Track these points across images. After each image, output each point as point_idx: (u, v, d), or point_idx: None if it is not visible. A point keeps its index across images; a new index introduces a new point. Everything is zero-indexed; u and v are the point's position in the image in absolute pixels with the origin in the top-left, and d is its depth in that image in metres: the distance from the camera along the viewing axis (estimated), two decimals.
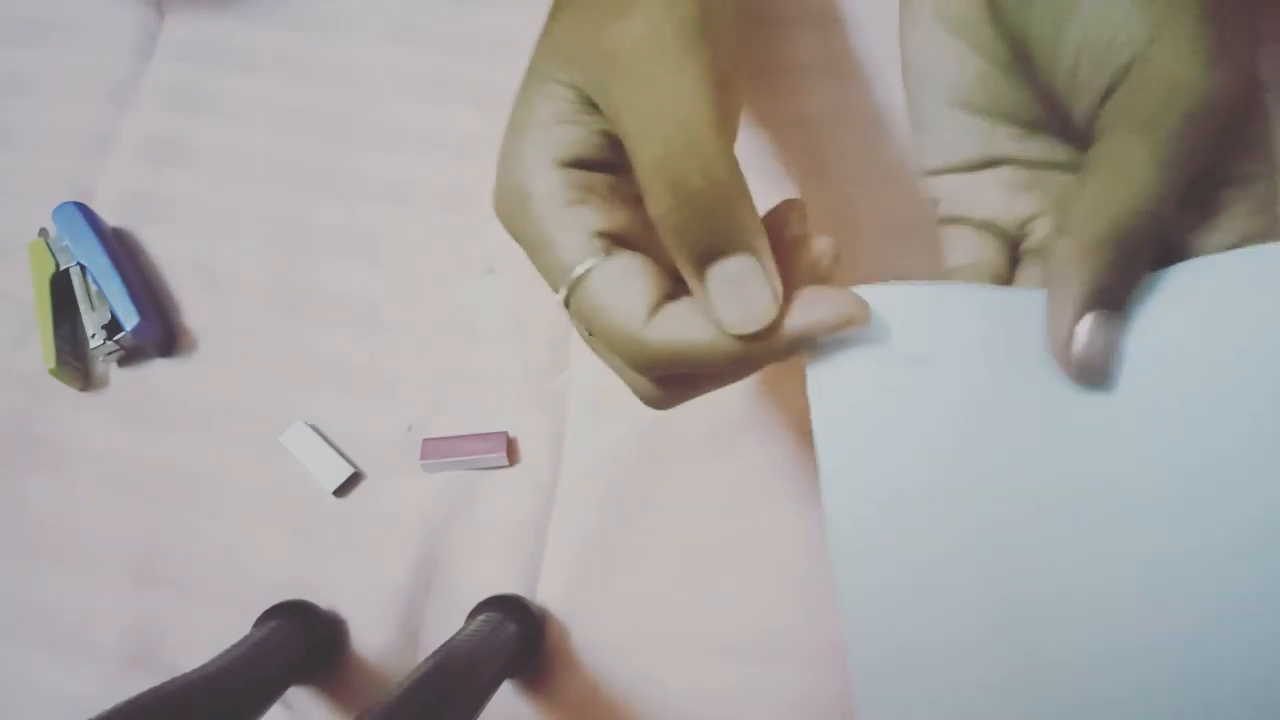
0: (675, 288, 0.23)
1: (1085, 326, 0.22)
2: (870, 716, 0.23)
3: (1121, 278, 0.22)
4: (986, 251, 0.27)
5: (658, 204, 0.21)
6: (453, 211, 0.45)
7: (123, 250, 0.44)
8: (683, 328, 0.22)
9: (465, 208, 0.45)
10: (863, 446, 0.23)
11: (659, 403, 0.25)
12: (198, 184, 0.46)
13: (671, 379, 0.25)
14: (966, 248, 0.27)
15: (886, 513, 0.23)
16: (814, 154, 0.44)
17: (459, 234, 0.44)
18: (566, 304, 0.24)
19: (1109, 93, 0.23)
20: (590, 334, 0.24)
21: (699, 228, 0.21)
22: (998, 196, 0.27)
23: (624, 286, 0.23)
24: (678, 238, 0.22)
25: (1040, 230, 0.27)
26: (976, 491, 0.23)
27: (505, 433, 0.40)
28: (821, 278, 0.23)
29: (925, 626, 0.23)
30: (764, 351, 0.22)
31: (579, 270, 0.23)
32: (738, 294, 0.21)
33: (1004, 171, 0.27)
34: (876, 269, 0.41)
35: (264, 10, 0.49)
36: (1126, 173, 0.22)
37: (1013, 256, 0.27)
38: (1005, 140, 0.27)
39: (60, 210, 0.44)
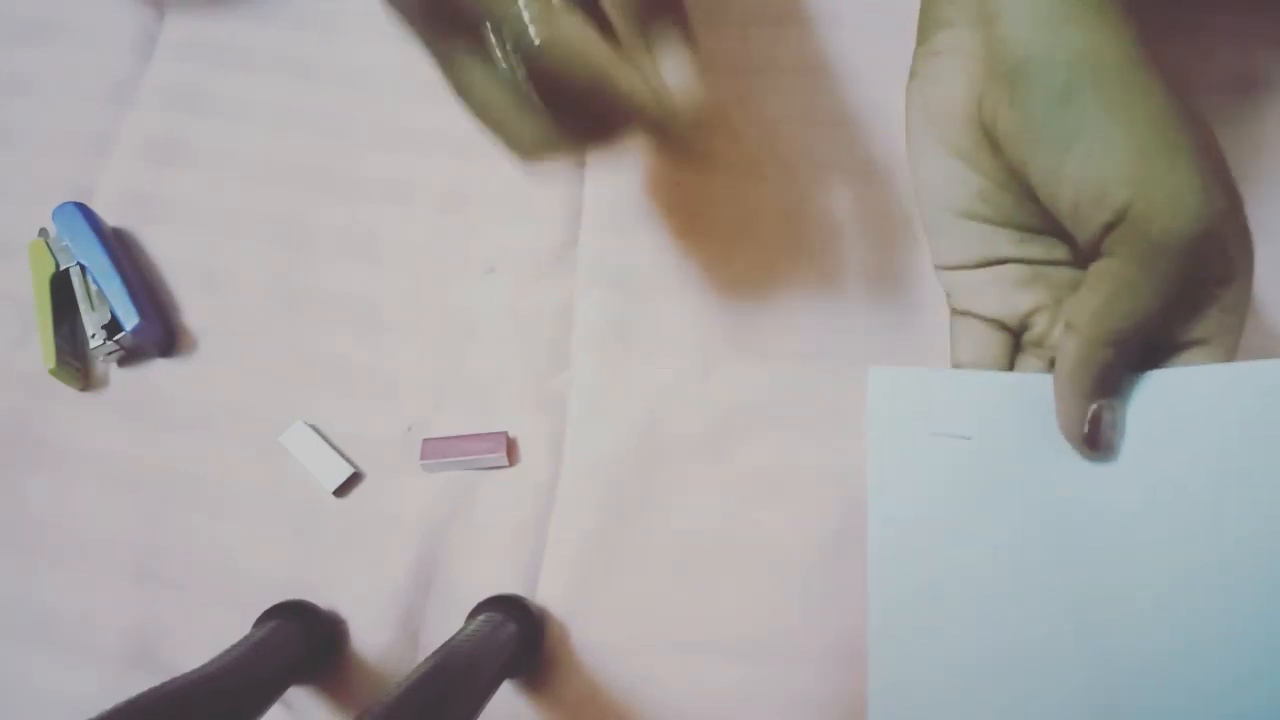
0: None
1: (1092, 411, 0.27)
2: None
3: (1119, 372, 0.27)
4: (990, 346, 0.31)
5: None
6: (453, 211, 0.45)
7: (123, 250, 0.44)
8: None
9: (465, 208, 0.45)
10: (909, 505, 0.29)
11: (546, 144, 0.28)
12: (198, 184, 0.46)
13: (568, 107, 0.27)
14: (973, 342, 0.31)
15: (920, 575, 0.28)
16: (795, 151, 0.44)
17: (459, 234, 0.44)
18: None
19: (1109, 228, 0.26)
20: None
21: None
22: (1001, 293, 0.31)
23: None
24: None
25: (1040, 324, 0.30)
26: (1001, 544, 0.28)
27: (505, 433, 0.40)
28: None
29: (942, 651, 0.27)
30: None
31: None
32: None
33: (1007, 269, 0.31)
34: (858, 263, 0.41)
35: (264, 10, 0.49)
36: (1129, 292, 0.26)
37: (1014, 347, 0.31)
38: (1006, 243, 0.30)
39: (60, 210, 0.44)
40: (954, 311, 0.32)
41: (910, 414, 0.29)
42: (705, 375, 0.41)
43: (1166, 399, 0.27)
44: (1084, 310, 0.26)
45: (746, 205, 0.44)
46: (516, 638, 0.36)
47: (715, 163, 0.44)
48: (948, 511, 0.28)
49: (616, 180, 0.45)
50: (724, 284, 0.42)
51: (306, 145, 0.46)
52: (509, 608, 0.37)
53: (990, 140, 0.29)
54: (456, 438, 0.40)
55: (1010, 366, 0.31)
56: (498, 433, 0.40)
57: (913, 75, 0.32)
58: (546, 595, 0.39)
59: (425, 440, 0.40)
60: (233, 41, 0.48)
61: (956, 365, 0.32)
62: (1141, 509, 0.27)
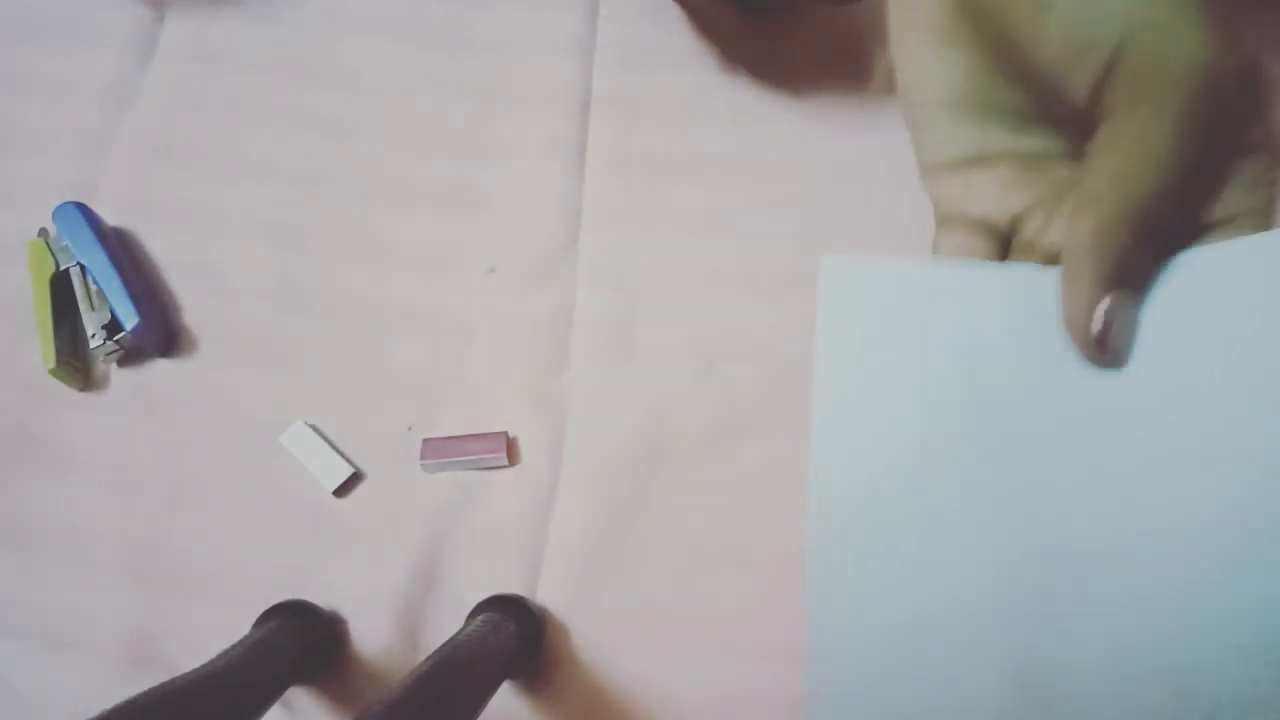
0: None
1: (1104, 307, 0.22)
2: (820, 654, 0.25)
3: (1141, 255, 0.23)
4: (975, 250, 0.27)
5: None
6: (453, 211, 0.45)
7: (123, 250, 0.44)
8: None
9: (465, 208, 0.45)
10: (861, 400, 0.25)
11: None
12: (198, 184, 0.46)
13: None
14: (957, 247, 0.28)
15: (869, 470, 0.25)
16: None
17: (459, 234, 0.44)
18: None
19: (1108, 70, 0.23)
20: None
21: None
22: (991, 193, 0.27)
23: None
24: None
25: (1032, 225, 0.27)
26: (964, 449, 0.24)
27: (505, 433, 0.40)
28: None
29: (886, 577, 0.24)
30: None
31: None
32: None
33: (998, 168, 0.28)
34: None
35: (264, 11, 0.49)
36: (1144, 149, 0.22)
37: (1003, 254, 0.28)
38: (998, 136, 0.27)
39: (60, 210, 0.44)
40: (939, 218, 0.29)
41: (870, 310, 0.25)
42: (705, 375, 0.41)
43: (1183, 291, 0.22)
44: (1096, 182, 0.23)
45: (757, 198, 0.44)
46: (516, 638, 0.36)
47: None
48: (909, 424, 0.24)
49: (617, 179, 0.45)
50: (724, 284, 0.42)
51: (306, 145, 0.46)
52: (509, 608, 0.37)
53: (961, 9, 0.26)
54: (457, 438, 0.40)
55: None
56: (498, 433, 0.40)
57: None
58: (547, 595, 0.39)
59: (425, 440, 0.40)
60: (233, 42, 0.48)
61: None
62: (1149, 430, 0.22)
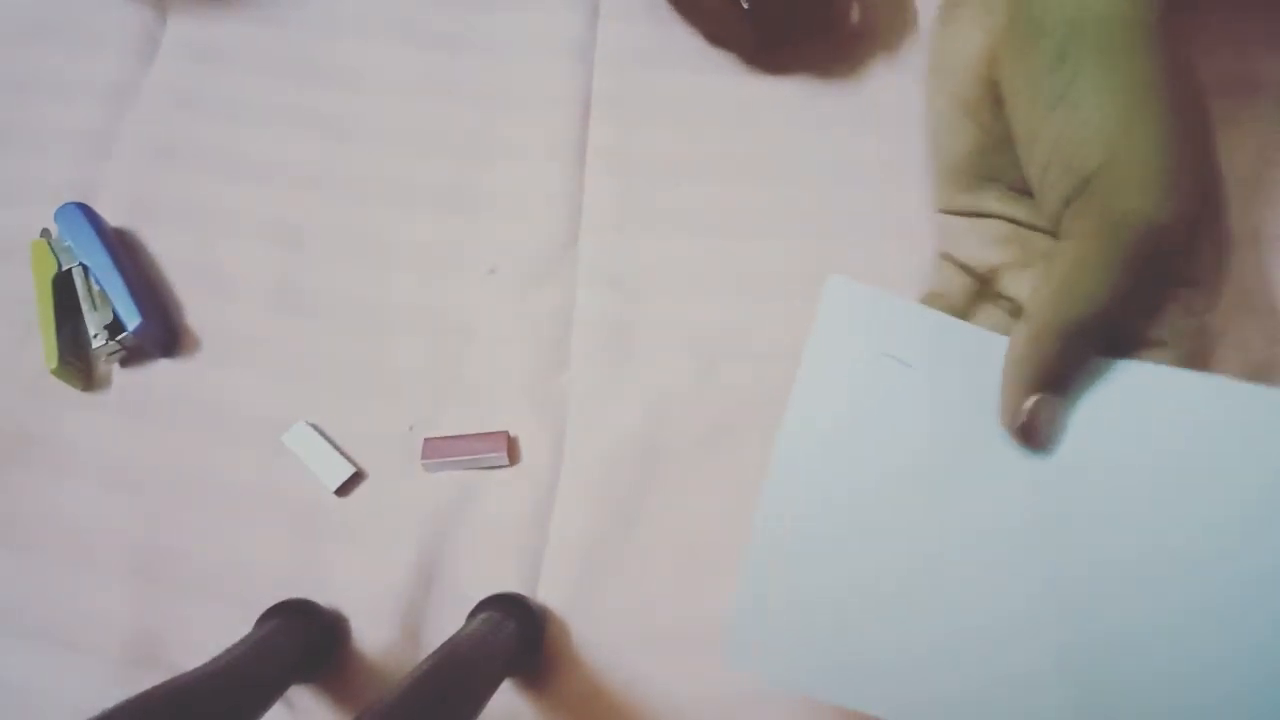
0: None
1: (1028, 405, 0.26)
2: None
3: (1067, 365, 0.26)
4: (955, 286, 0.32)
5: None
6: (453, 211, 0.45)
7: (125, 250, 0.44)
8: None
9: (465, 208, 0.45)
10: (832, 417, 0.28)
11: None
12: (200, 184, 0.46)
13: None
14: (945, 279, 0.32)
15: (821, 491, 0.28)
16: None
17: (459, 234, 0.44)
18: None
19: (1070, 199, 0.25)
20: None
21: None
22: (978, 245, 0.32)
23: None
24: None
25: (1005, 279, 0.31)
26: (914, 481, 0.27)
27: (506, 432, 0.40)
28: None
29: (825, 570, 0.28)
30: None
31: None
32: None
33: (990, 223, 0.32)
34: (861, 263, 0.42)
35: (265, 11, 0.49)
36: (1079, 279, 0.25)
37: (977, 293, 0.32)
38: (992, 200, 0.31)
39: (62, 210, 0.44)
40: (940, 251, 0.33)
41: (860, 329, 0.28)
42: (705, 375, 0.41)
43: (1117, 389, 0.26)
44: (1036, 298, 0.26)
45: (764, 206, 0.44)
46: (517, 636, 0.36)
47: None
48: (868, 433, 0.28)
49: (617, 179, 0.45)
50: (724, 284, 0.43)
51: (307, 145, 0.46)
52: (510, 606, 0.37)
53: (995, 97, 0.29)
54: (457, 437, 0.40)
55: (966, 311, 0.31)
56: (498, 432, 0.40)
57: (939, 21, 0.32)
58: (547, 594, 0.39)
59: (426, 440, 0.40)
60: (234, 42, 0.49)
61: (923, 294, 0.32)
62: (1066, 489, 0.26)
